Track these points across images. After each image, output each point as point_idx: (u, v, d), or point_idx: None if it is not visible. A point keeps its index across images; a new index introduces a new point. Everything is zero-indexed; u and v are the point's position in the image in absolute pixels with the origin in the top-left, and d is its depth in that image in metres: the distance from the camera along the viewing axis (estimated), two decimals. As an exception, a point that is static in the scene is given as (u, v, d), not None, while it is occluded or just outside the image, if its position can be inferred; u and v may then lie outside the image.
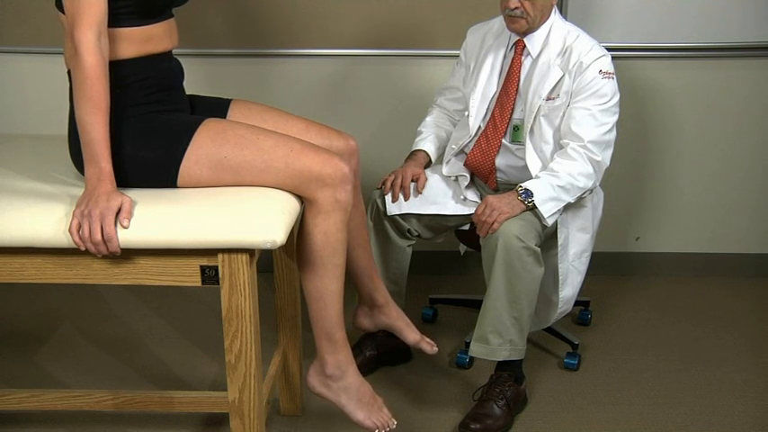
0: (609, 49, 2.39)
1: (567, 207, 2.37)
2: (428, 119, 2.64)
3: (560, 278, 2.42)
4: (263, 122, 1.94)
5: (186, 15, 1.99)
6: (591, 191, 2.38)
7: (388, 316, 2.22)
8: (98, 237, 1.61)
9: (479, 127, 2.48)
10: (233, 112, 1.98)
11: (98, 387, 2.26)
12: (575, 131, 2.32)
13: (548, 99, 2.36)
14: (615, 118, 2.37)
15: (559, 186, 2.29)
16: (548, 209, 2.29)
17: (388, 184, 2.47)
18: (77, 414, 2.33)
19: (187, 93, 1.97)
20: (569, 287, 2.46)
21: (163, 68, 1.84)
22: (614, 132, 2.38)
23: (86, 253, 1.65)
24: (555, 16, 2.40)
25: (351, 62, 2.51)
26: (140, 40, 1.77)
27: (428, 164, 2.58)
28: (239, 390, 1.79)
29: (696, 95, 3.08)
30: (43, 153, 2.01)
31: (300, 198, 1.83)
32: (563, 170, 2.30)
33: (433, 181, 2.52)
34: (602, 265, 3.13)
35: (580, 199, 2.37)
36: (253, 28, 2.98)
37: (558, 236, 2.39)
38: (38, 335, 2.84)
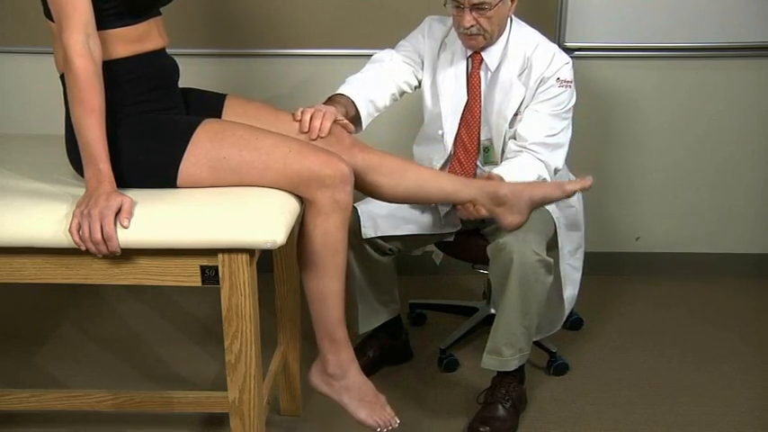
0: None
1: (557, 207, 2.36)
2: (360, 75, 2.34)
3: (562, 279, 2.42)
4: (257, 118, 1.94)
5: (178, 15, 1.99)
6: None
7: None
8: (98, 236, 1.61)
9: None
10: (228, 109, 1.97)
11: (98, 387, 2.26)
12: (520, 133, 2.28)
13: (513, 116, 2.30)
14: (566, 122, 2.31)
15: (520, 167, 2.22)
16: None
17: (307, 117, 1.95)
18: (77, 414, 2.33)
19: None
20: (570, 286, 2.46)
21: (156, 67, 1.84)
22: (566, 135, 2.32)
23: (86, 253, 1.65)
24: (511, 24, 2.30)
25: (347, 62, 2.51)
26: (129, 40, 1.77)
27: (355, 118, 2.22)
28: (239, 390, 1.79)
29: (697, 96, 3.08)
30: (43, 153, 2.01)
31: (300, 198, 1.83)
32: (511, 164, 2.23)
33: None
34: (601, 265, 3.13)
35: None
36: (246, 28, 2.97)
37: (558, 238, 2.38)
38: (38, 335, 2.84)
